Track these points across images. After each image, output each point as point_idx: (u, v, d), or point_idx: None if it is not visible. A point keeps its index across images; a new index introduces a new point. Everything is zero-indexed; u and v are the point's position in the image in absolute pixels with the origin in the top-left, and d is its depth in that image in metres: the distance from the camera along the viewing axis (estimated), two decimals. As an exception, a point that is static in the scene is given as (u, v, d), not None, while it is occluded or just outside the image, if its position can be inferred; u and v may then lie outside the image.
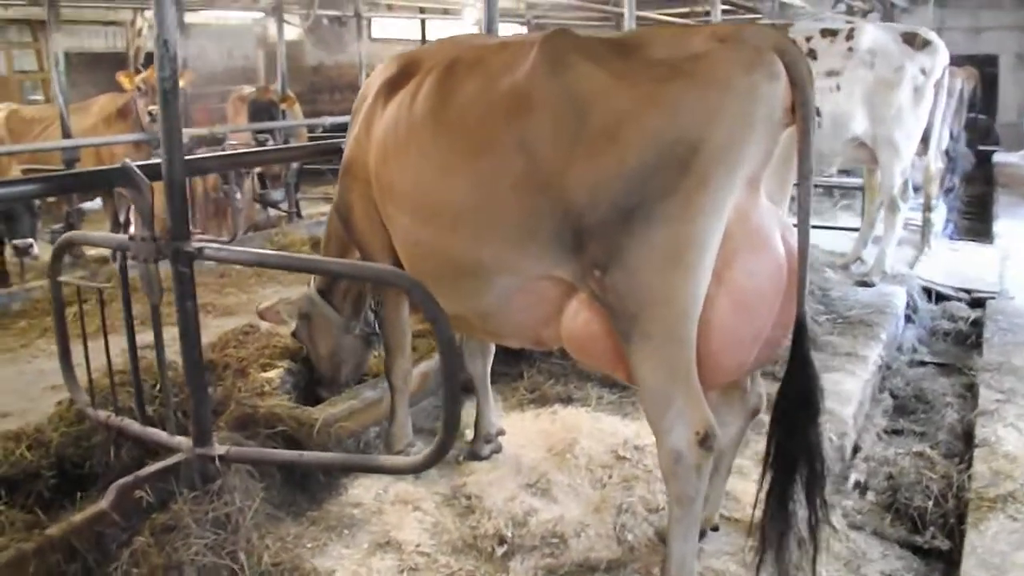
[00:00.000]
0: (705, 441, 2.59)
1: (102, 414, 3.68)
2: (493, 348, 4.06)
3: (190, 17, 12.21)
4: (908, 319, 6.63)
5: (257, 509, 3.34)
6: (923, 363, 6.08)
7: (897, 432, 5.08)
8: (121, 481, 3.25)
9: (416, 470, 2.94)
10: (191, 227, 8.40)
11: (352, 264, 3.06)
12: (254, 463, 3.33)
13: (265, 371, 4.66)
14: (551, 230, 2.67)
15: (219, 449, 3.32)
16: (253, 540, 3.24)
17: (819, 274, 6.68)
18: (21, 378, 5.39)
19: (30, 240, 6.41)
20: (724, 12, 8.37)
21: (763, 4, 8.41)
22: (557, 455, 4.02)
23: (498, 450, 4.13)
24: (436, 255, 3.03)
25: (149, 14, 9.80)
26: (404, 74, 3.36)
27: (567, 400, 4.64)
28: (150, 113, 7.43)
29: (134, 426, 3.56)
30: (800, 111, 2.48)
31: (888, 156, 6.64)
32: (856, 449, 4.68)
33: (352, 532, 3.48)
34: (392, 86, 3.36)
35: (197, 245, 3.10)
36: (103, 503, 3.18)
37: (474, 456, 4.08)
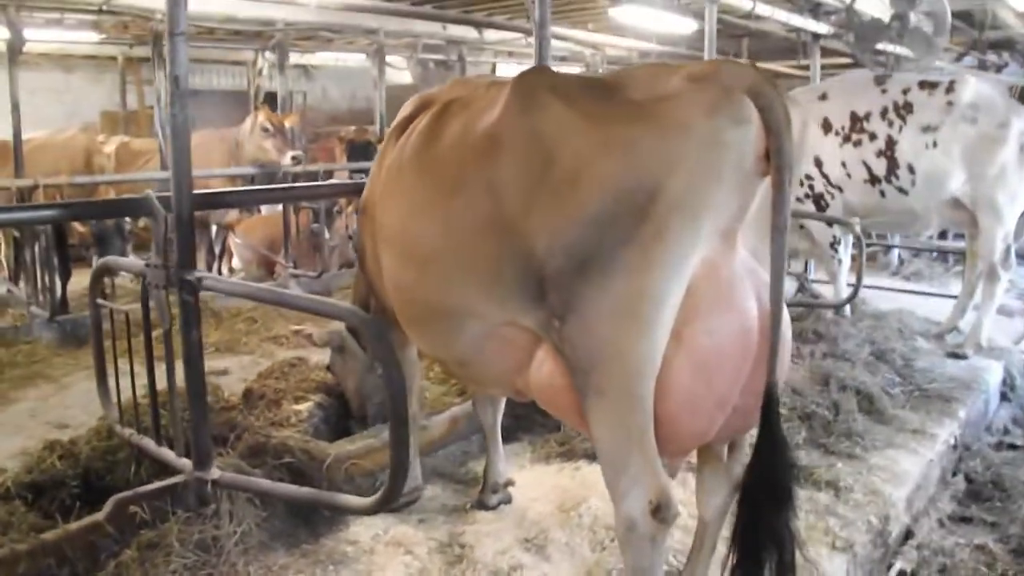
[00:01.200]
0: (658, 512, 2.45)
1: (127, 431, 3.95)
2: (503, 398, 4.07)
3: (310, 59, 12.99)
4: (1004, 397, 6.17)
5: (245, 536, 3.48)
6: (1013, 446, 5.64)
7: (965, 520, 4.73)
8: (120, 495, 3.46)
9: (366, 512, 2.99)
10: (285, 261, 8.84)
11: (312, 300, 3.17)
12: (242, 490, 3.46)
13: (297, 403, 4.84)
14: (515, 276, 2.62)
15: (214, 474, 3.49)
16: (238, 566, 3.38)
17: (907, 342, 6.33)
18: (90, 394, 5.80)
19: (118, 261, 6.93)
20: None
21: (864, 56, 8.13)
22: (564, 512, 3.98)
23: (507, 501, 4.12)
24: (414, 297, 3.08)
25: (269, 55, 10.48)
26: (414, 115, 3.46)
27: (594, 457, 4.57)
28: (294, 158, 8.17)
29: (150, 445, 3.79)
30: (775, 160, 2.35)
31: (989, 219, 6.26)
32: (908, 535, 4.39)
33: (337, 569, 3.55)
34: (402, 126, 3.46)
35: (198, 275, 3.30)
36: (100, 515, 3.39)
37: (481, 505, 4.09)
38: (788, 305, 2.66)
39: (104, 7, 7.12)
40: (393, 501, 2.76)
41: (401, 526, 3.90)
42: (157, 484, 3.54)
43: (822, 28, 8.33)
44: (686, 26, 8.38)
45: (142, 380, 3.70)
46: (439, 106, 3.18)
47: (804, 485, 4.21)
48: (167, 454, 3.69)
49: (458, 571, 3.53)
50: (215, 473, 3.48)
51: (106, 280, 6.97)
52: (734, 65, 2.51)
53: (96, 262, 7.75)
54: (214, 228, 8.67)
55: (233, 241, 9.22)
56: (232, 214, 8.90)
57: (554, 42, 10.12)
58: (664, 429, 2.49)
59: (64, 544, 3.25)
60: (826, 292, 7.37)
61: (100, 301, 3.91)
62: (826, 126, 6.75)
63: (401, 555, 3.66)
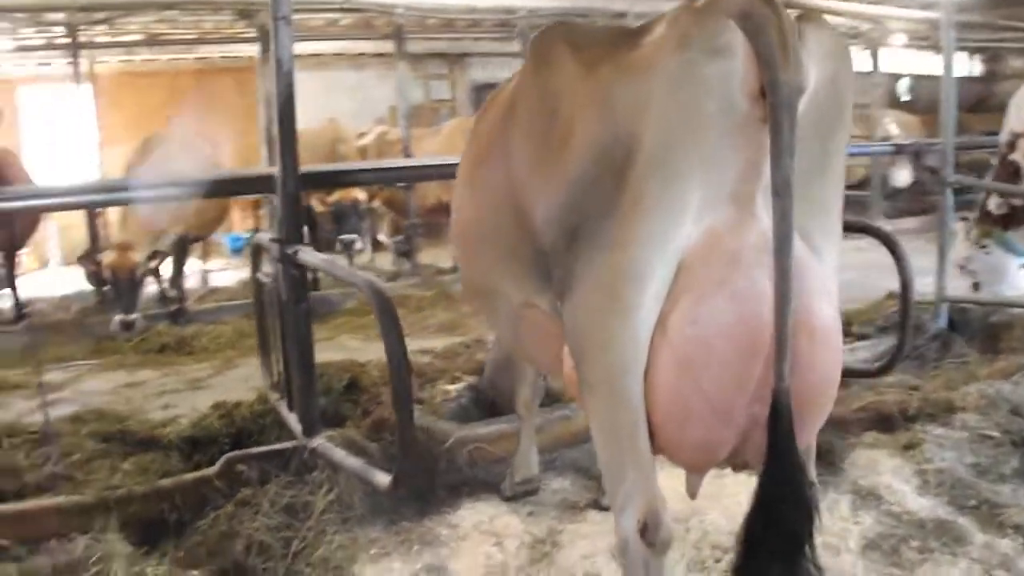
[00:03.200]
0: (646, 533, 2.12)
1: (274, 396, 4.31)
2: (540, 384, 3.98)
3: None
4: None
5: (340, 506, 3.64)
6: None
7: None
8: (231, 454, 3.79)
9: (382, 491, 2.97)
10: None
11: (332, 266, 3.22)
12: (326, 460, 3.61)
13: (452, 383, 4.97)
14: (527, 251, 2.44)
15: (315, 442, 3.69)
16: (326, 534, 3.54)
17: None
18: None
19: (355, 236, 7.57)
20: None
21: None
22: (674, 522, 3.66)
23: (533, 493, 3.94)
24: (464, 275, 3.07)
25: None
26: None
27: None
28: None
29: (283, 410, 4.10)
30: (769, 98, 1.88)
31: None
32: None
33: (421, 550, 3.59)
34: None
35: (295, 249, 3.50)
36: (212, 470, 3.75)
37: (500, 494, 3.97)
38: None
39: (345, 5, 7.75)
40: (402, 482, 2.73)
41: (508, 516, 3.86)
42: (267, 448, 3.83)
43: None
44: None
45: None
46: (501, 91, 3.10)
47: (985, 528, 3.50)
48: (291, 420, 3.96)
49: (535, 570, 3.41)
50: (316, 442, 3.68)
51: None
52: None
53: (338, 237, 8.75)
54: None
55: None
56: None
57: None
58: (659, 436, 2.14)
59: (176, 492, 3.63)
60: None
61: (258, 275, 4.29)
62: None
63: (489, 545, 3.62)
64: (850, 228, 4.47)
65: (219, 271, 11.25)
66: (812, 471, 2.35)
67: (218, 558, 3.27)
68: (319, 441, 3.67)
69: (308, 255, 3.24)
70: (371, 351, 6.21)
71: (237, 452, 3.80)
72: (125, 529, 3.40)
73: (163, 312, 8.30)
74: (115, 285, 6.95)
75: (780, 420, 1.95)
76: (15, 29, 9.08)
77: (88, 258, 7.09)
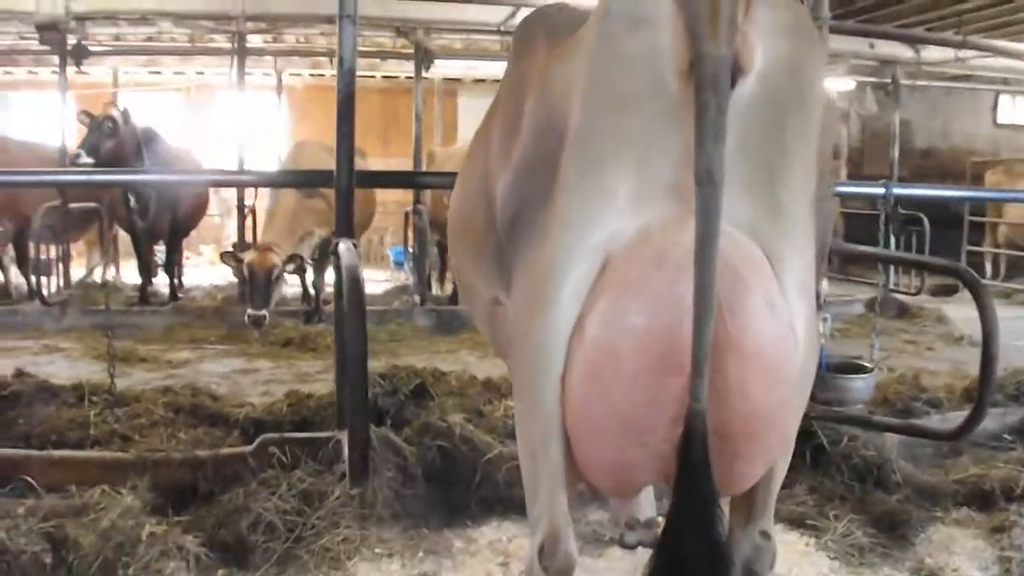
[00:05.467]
0: (542, 555, 1.93)
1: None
2: None
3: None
4: None
5: (361, 502, 3.74)
6: None
7: None
8: (266, 436, 3.99)
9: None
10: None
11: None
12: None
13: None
14: (492, 245, 2.33)
15: (342, 435, 3.82)
16: (339, 526, 3.65)
17: None
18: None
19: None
20: None
21: None
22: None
23: (649, 543, 3.75)
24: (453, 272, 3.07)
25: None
26: None
27: (794, 524, 3.90)
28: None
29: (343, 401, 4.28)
30: (694, 73, 1.63)
31: None
32: None
33: (422, 559, 3.60)
34: None
35: (344, 245, 3.65)
36: (248, 448, 3.96)
37: (621, 542, 3.78)
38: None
39: (502, 28, 8.01)
40: (355, 479, 2.77)
41: (528, 539, 3.80)
42: (302, 435, 4.00)
43: None
44: None
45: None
46: None
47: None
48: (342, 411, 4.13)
49: (527, 596, 3.35)
50: (342, 434, 3.81)
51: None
52: None
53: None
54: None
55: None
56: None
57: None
58: (574, 452, 1.96)
59: (210, 464, 3.86)
60: None
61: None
62: None
63: (494, 564, 3.59)
64: (937, 269, 4.19)
65: (373, 280, 11.84)
66: (762, 524, 2.04)
67: (222, 530, 3.44)
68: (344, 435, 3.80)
69: (344, 249, 3.38)
70: (484, 367, 6.36)
71: (273, 435, 3.99)
72: (156, 490, 3.66)
73: (301, 310, 8.87)
74: (251, 282, 7.48)
75: (690, 447, 1.68)
76: (209, 37, 10.00)
77: (230, 255, 7.67)
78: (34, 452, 3.76)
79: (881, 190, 4.46)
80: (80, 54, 8.04)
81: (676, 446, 1.76)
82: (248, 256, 7.60)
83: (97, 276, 9.03)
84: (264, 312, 7.55)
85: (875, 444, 4.20)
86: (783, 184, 1.82)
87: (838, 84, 10.66)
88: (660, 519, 3.76)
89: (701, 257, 1.63)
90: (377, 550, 3.64)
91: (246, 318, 7.55)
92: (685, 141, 1.69)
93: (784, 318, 1.80)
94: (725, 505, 1.96)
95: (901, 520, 3.82)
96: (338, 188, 3.73)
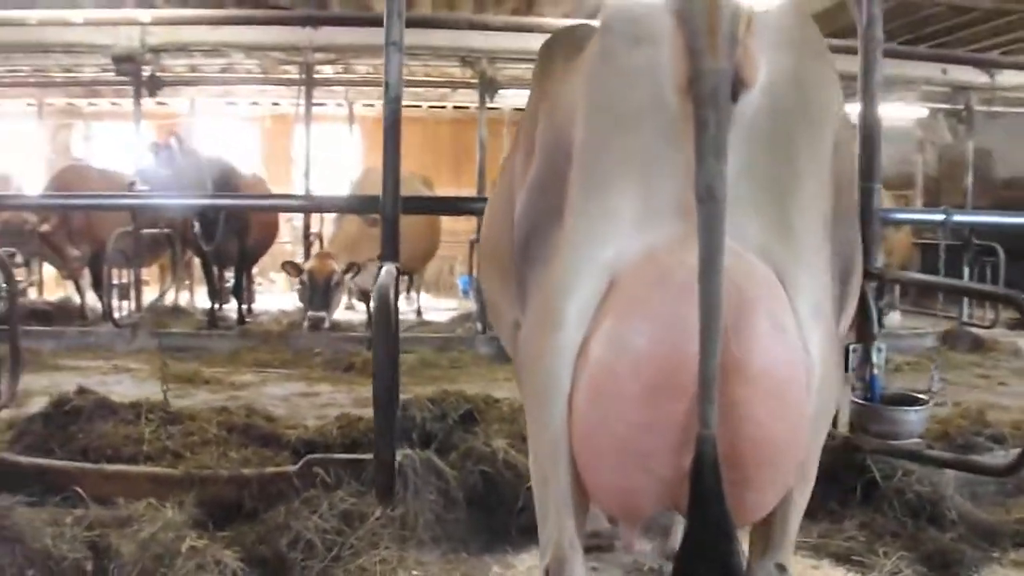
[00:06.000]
0: None
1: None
2: None
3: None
4: None
5: (401, 524, 3.78)
6: None
7: None
8: (311, 456, 4.06)
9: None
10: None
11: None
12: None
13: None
14: (513, 265, 2.28)
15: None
16: (378, 547, 3.69)
17: None
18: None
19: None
20: None
21: None
22: None
23: None
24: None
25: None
26: None
27: (841, 560, 3.79)
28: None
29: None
30: (693, 89, 1.62)
31: None
32: None
33: (447, 584, 3.61)
34: None
35: (385, 268, 3.73)
36: (293, 468, 4.04)
37: (660, 573, 3.74)
38: None
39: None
40: (382, 497, 2.80)
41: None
42: (346, 456, 4.06)
43: None
44: None
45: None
46: None
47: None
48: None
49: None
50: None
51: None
52: None
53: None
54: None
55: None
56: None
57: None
58: (581, 475, 1.92)
59: (255, 482, 3.95)
60: None
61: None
62: None
63: (518, 595, 3.58)
64: (994, 298, 4.06)
65: (440, 308, 12.01)
66: (778, 556, 1.97)
67: (262, 547, 3.50)
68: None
69: (384, 272, 3.45)
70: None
71: (317, 455, 4.06)
72: (202, 506, 3.76)
73: (366, 336, 9.03)
74: (311, 286, 7.73)
75: (701, 475, 1.64)
76: (282, 68, 10.34)
77: (291, 264, 7.96)
78: (88, 465, 3.91)
79: (940, 216, 4.34)
80: (155, 85, 8.40)
81: (684, 473, 1.72)
82: (308, 264, 7.85)
83: (167, 300, 9.36)
84: (323, 314, 7.78)
85: (931, 480, 4.07)
86: (793, 202, 1.79)
87: (910, 111, 10.43)
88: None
89: (705, 276, 1.60)
90: (415, 572, 3.66)
91: (305, 321, 7.77)
92: (688, 159, 1.67)
93: (794, 341, 1.76)
94: (744, 535, 1.94)
95: (954, 559, 3.68)
96: (384, 214, 3.81)
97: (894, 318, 9.46)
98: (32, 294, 10.77)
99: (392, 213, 3.81)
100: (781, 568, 1.95)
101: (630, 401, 1.72)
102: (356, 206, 5.02)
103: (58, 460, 3.97)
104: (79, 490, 3.53)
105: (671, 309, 1.69)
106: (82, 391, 4.78)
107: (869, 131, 4.00)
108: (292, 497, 3.90)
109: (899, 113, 10.01)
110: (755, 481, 1.78)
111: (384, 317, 2.86)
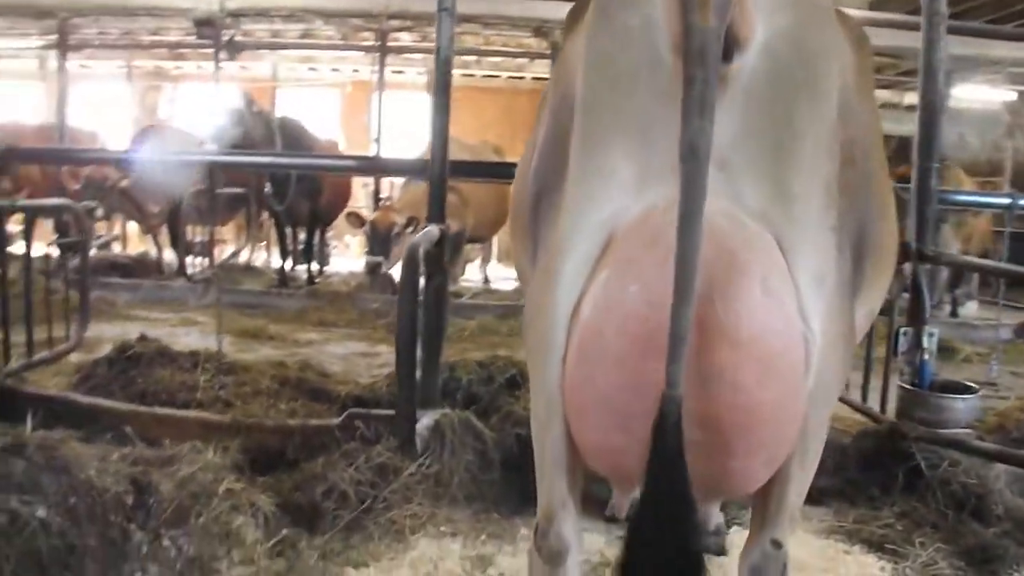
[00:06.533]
0: (536, 534, 1.93)
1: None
2: None
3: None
4: None
5: (429, 478, 3.88)
6: None
7: None
8: (353, 410, 4.18)
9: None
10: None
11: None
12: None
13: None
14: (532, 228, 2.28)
15: (419, 415, 3.97)
16: (412, 501, 3.79)
17: None
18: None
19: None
20: None
21: None
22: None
23: (716, 552, 3.68)
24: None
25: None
26: None
27: (876, 548, 3.73)
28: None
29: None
30: (683, 46, 1.59)
31: None
32: None
33: (484, 542, 3.60)
34: None
35: (429, 228, 3.81)
36: (335, 421, 4.16)
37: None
38: None
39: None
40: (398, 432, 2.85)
41: (594, 535, 3.79)
42: (387, 411, 4.16)
43: None
44: None
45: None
46: None
47: None
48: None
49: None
50: (420, 414, 3.96)
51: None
52: None
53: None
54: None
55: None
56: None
57: None
58: (572, 434, 1.92)
59: (299, 433, 4.09)
60: None
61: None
62: None
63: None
64: None
65: (508, 277, 12.07)
66: (774, 533, 1.91)
67: (297, 494, 3.64)
68: (423, 414, 3.95)
69: (423, 232, 3.52)
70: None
71: (359, 409, 4.17)
72: (246, 453, 3.91)
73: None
74: (372, 235, 8.03)
75: (662, 435, 1.59)
76: (361, 35, 10.48)
77: (355, 215, 8.24)
78: (141, 408, 4.10)
79: (1006, 200, 4.19)
80: (234, 48, 8.62)
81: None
82: (372, 216, 8.15)
83: (242, 258, 9.65)
84: (380, 259, 8.06)
85: (978, 472, 3.95)
86: (792, 168, 1.75)
87: (996, 94, 9.95)
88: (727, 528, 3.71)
89: (683, 236, 1.57)
90: (443, 528, 3.74)
91: (364, 265, 8.05)
92: (670, 119, 1.64)
93: (788, 310, 1.72)
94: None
95: (995, 555, 3.57)
96: (431, 177, 3.88)
97: (970, 307, 9.14)
98: (117, 248, 11.26)
99: (439, 175, 3.87)
100: (776, 544, 1.91)
101: (613, 360, 1.72)
102: (406, 168, 5.10)
103: (114, 402, 4.17)
104: (128, 430, 3.71)
105: (657, 269, 1.66)
106: (144, 339, 5.00)
107: (929, 110, 3.86)
108: (333, 449, 4.02)
109: (984, 96, 9.56)
110: (738, 449, 1.74)
111: (411, 275, 2.93)
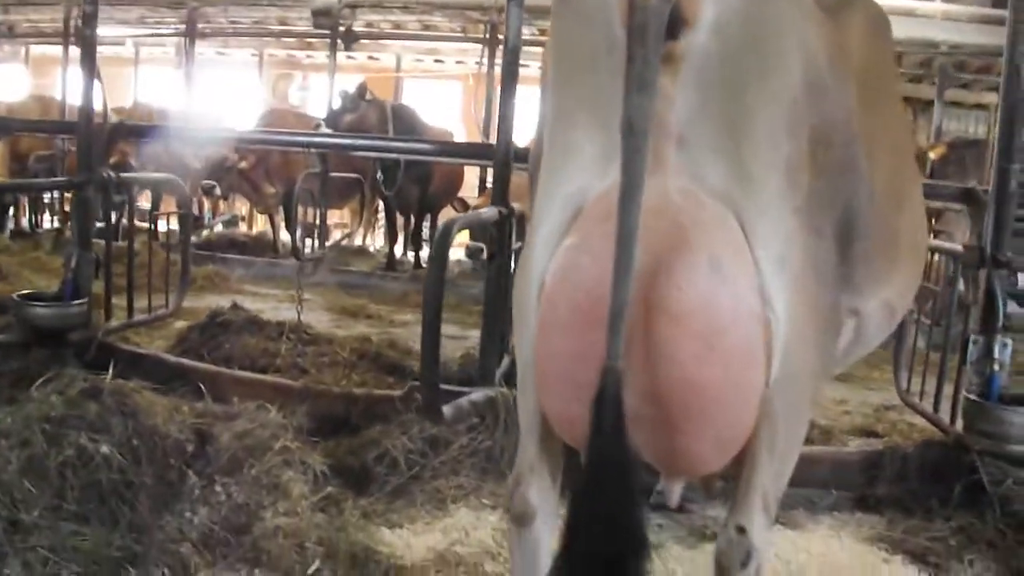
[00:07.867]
0: (509, 505, 2.01)
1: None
2: None
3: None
4: None
5: (480, 453, 4.04)
6: None
7: None
8: (415, 383, 4.38)
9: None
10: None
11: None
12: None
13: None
14: None
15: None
16: (460, 472, 3.97)
17: None
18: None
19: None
20: None
21: None
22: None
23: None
24: None
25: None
26: None
27: (916, 558, 3.64)
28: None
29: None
30: (628, 24, 1.62)
31: None
32: None
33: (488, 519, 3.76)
34: None
35: (487, 210, 3.97)
36: (398, 392, 4.38)
37: None
38: None
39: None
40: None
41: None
42: (448, 387, 4.35)
43: None
44: None
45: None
46: None
47: None
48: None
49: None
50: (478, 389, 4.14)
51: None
52: None
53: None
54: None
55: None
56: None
57: None
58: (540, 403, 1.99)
59: (362, 401, 4.33)
60: None
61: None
62: None
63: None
64: None
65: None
66: (739, 519, 1.87)
67: (350, 457, 3.87)
68: (480, 389, 4.12)
69: (476, 212, 3.68)
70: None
71: (420, 385, 4.37)
72: (311, 417, 4.17)
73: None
74: None
75: (601, 407, 1.60)
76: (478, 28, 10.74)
77: (459, 201, 8.73)
78: (222, 369, 4.44)
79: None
80: (350, 38, 9.01)
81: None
82: (475, 202, 8.40)
83: (354, 241, 10.07)
84: (482, 245, 8.31)
85: (1048, 494, 3.80)
86: (748, 146, 1.77)
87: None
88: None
89: (623, 210, 1.62)
90: (485, 500, 3.89)
91: (465, 251, 8.44)
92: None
93: (740, 288, 1.72)
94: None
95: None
96: (496, 160, 4.04)
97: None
98: (243, 227, 11.96)
99: (503, 159, 4.02)
100: (740, 530, 1.89)
101: (563, 330, 1.77)
102: (471, 153, 5.27)
103: (197, 362, 4.52)
104: (201, 385, 4.03)
105: (605, 243, 1.68)
106: (235, 307, 5.37)
107: (1010, 109, 3.72)
108: (393, 419, 4.24)
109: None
110: (682, 427, 1.74)
111: (440, 251, 3.10)
